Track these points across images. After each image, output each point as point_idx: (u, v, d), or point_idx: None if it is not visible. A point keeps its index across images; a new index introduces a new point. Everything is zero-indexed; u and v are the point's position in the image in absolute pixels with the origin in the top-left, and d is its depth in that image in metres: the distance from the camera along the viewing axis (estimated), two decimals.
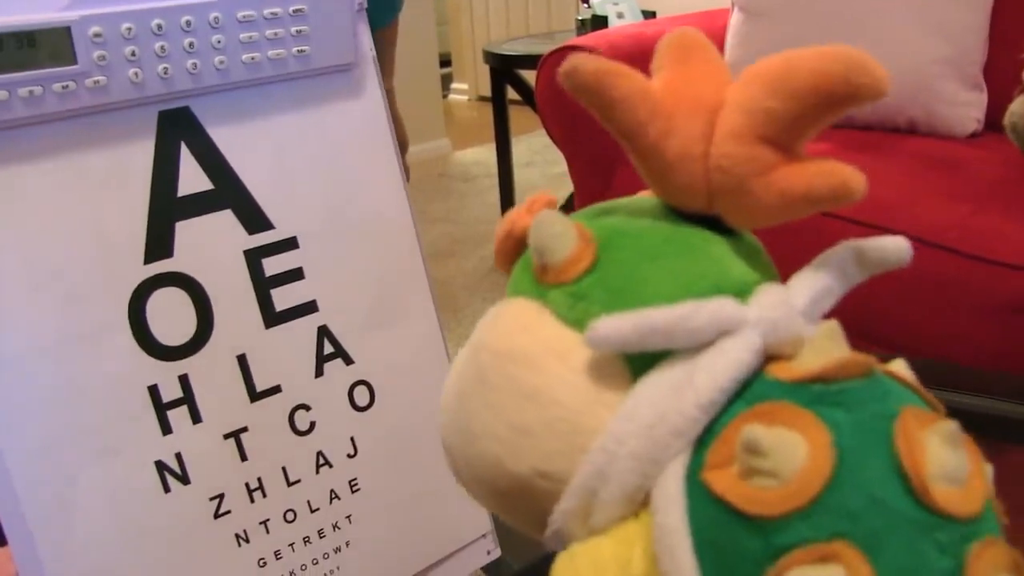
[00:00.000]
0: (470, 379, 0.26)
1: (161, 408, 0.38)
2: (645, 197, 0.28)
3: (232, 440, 0.40)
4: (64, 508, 0.36)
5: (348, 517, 0.44)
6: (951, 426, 0.20)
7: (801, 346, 0.22)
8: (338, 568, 0.43)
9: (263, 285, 0.41)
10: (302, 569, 0.42)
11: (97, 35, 0.35)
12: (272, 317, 0.41)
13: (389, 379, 0.45)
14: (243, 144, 0.40)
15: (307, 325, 0.42)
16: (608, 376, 0.23)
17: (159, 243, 0.38)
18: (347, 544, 0.44)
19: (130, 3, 0.36)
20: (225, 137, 0.40)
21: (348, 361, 0.43)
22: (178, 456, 0.39)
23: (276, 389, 0.41)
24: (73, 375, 0.37)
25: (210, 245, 0.39)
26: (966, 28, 1.31)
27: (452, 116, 3.68)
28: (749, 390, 0.22)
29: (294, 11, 0.40)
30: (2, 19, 0.33)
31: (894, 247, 0.25)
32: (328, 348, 0.43)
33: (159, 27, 0.37)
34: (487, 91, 2.32)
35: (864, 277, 0.25)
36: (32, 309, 0.36)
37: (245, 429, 0.41)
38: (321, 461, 0.43)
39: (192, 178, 0.39)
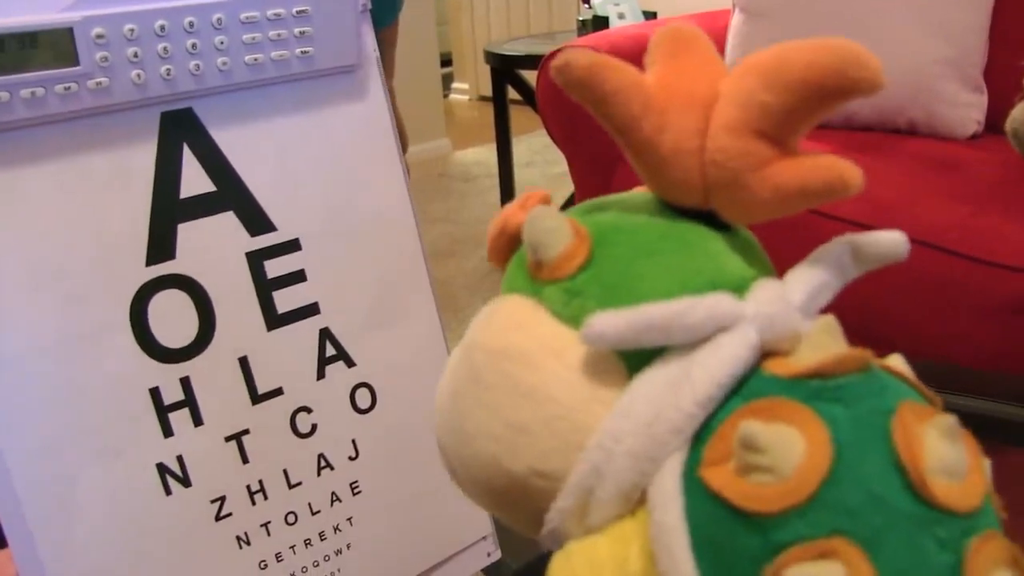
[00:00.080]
0: (464, 378, 0.25)
1: (162, 410, 0.38)
2: (639, 193, 0.28)
3: (233, 442, 0.40)
4: (65, 510, 0.36)
5: (349, 519, 0.44)
6: (949, 420, 0.20)
7: (798, 342, 0.22)
8: (339, 570, 0.43)
9: (265, 287, 0.41)
10: (303, 571, 0.42)
11: (100, 36, 0.35)
12: (274, 319, 0.41)
13: (390, 381, 0.45)
14: (246, 146, 0.40)
15: (309, 327, 0.42)
16: (604, 373, 0.23)
17: (161, 245, 0.38)
18: (348, 546, 0.44)
19: (133, 4, 0.36)
20: (227, 139, 0.40)
21: (350, 363, 0.43)
22: (179, 458, 0.39)
23: (278, 391, 0.41)
24: (74, 376, 0.36)
25: (212, 247, 0.39)
26: (967, 29, 1.31)
27: (453, 116, 3.68)
28: (746, 386, 0.22)
29: (298, 12, 0.40)
30: (4, 20, 0.33)
31: (890, 242, 0.25)
32: (330, 350, 0.43)
33: (162, 28, 0.37)
34: (488, 91, 2.32)
35: (861, 272, 0.25)
36: (34, 310, 0.36)
37: (246, 431, 0.40)
38: (322, 463, 0.43)
39: (194, 180, 0.39)
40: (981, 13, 1.32)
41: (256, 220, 0.41)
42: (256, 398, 0.41)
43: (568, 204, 1.91)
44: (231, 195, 0.40)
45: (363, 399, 0.44)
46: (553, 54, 1.43)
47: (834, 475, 0.19)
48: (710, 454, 0.21)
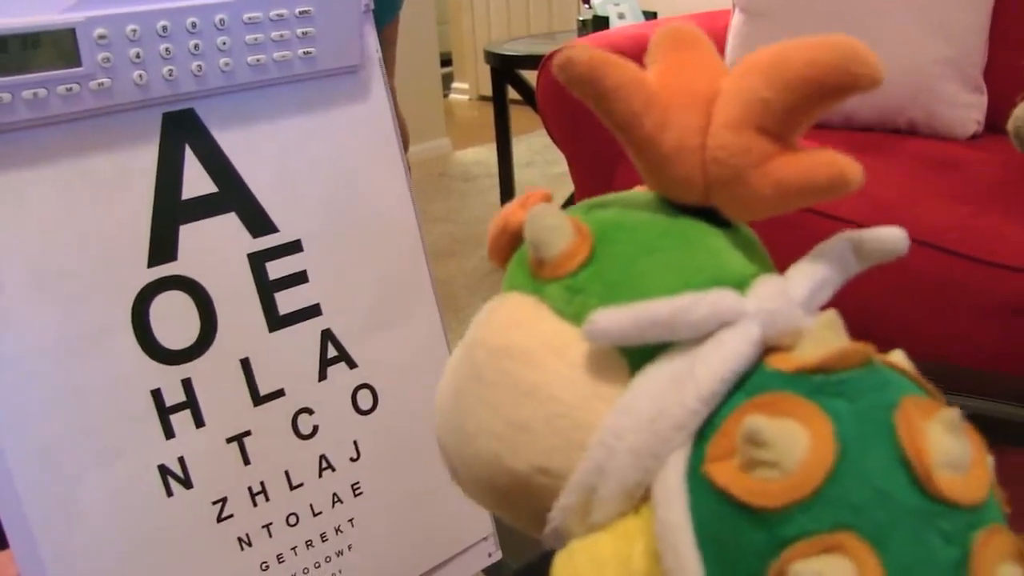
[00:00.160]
0: (465, 377, 0.25)
1: (164, 412, 0.38)
2: (640, 191, 0.28)
3: (235, 444, 0.40)
4: (66, 511, 0.36)
5: (350, 520, 0.44)
6: (952, 414, 0.20)
7: (800, 337, 0.22)
8: (340, 571, 0.43)
9: (267, 289, 0.41)
10: (304, 572, 0.42)
11: (102, 37, 0.35)
12: (276, 321, 0.41)
13: (392, 382, 0.45)
14: (247, 146, 0.40)
15: (311, 329, 0.42)
16: (606, 370, 0.23)
17: (163, 246, 0.38)
18: (349, 547, 0.44)
19: (135, 4, 0.36)
20: (229, 139, 0.40)
21: (351, 365, 0.43)
22: (181, 460, 0.39)
23: (279, 393, 0.41)
24: (76, 377, 0.36)
25: (214, 248, 0.39)
26: (967, 29, 1.31)
27: (453, 116, 3.68)
28: (749, 382, 0.21)
29: (300, 13, 0.40)
30: (6, 20, 0.33)
31: (891, 237, 0.25)
32: (332, 352, 0.43)
33: (164, 29, 0.37)
34: (488, 91, 2.32)
35: (862, 268, 0.25)
36: (35, 311, 0.36)
37: (248, 433, 0.40)
38: (324, 465, 0.43)
39: (196, 181, 0.39)
40: (981, 13, 1.32)
41: (258, 221, 0.41)
42: (258, 399, 0.41)
43: (568, 204, 1.90)
44: (233, 196, 0.40)
45: (365, 400, 0.44)
46: (553, 54, 1.43)
47: (839, 470, 0.19)
48: (714, 450, 0.21)
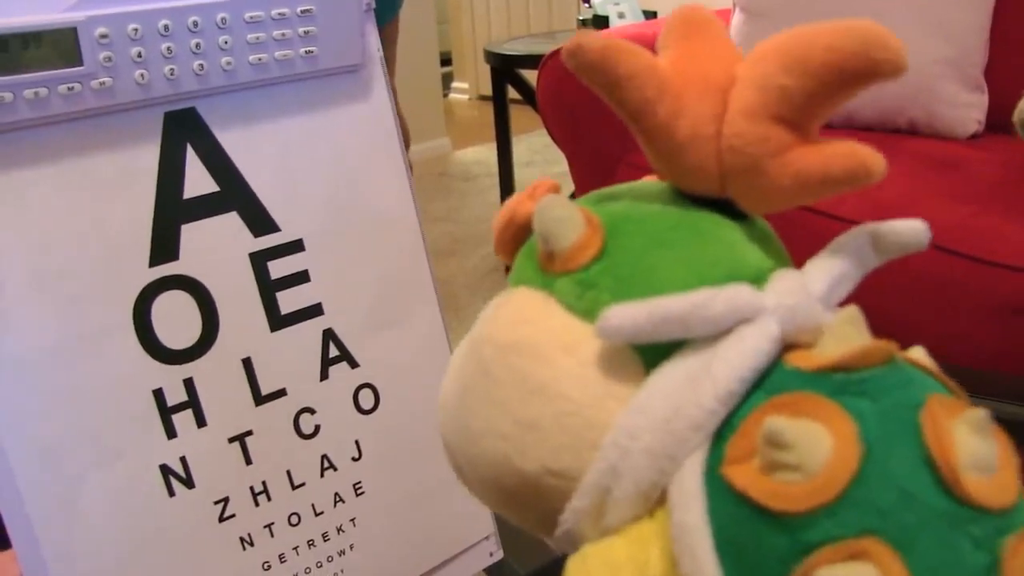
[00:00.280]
0: (472, 374, 0.25)
1: (166, 412, 0.38)
2: (651, 182, 0.27)
3: (237, 444, 0.40)
4: (68, 511, 0.36)
5: (352, 520, 0.43)
6: (979, 414, 0.19)
7: (820, 334, 0.21)
8: (342, 571, 0.43)
9: (269, 288, 0.41)
10: (306, 572, 0.42)
11: (103, 36, 0.35)
12: (278, 320, 0.41)
13: (393, 382, 0.45)
14: (249, 145, 0.40)
15: (313, 328, 0.42)
16: (618, 368, 0.22)
17: (164, 245, 0.38)
18: (351, 547, 0.44)
19: (136, 4, 0.36)
20: (231, 138, 0.40)
21: (353, 364, 0.43)
22: (183, 460, 0.39)
23: (281, 392, 0.41)
24: (77, 377, 0.36)
25: (216, 248, 0.39)
26: (967, 29, 1.31)
27: (453, 115, 3.68)
28: (767, 381, 0.21)
29: (302, 12, 0.40)
30: (7, 19, 0.33)
31: (911, 231, 0.24)
32: (333, 351, 0.43)
33: (166, 28, 0.37)
34: (488, 90, 2.31)
35: (881, 262, 0.24)
36: (37, 311, 0.36)
37: (250, 433, 0.40)
38: (326, 464, 0.43)
39: (198, 180, 0.39)
40: (982, 13, 1.32)
41: (259, 221, 0.41)
42: (259, 399, 0.41)
43: None
44: (234, 195, 0.40)
45: (366, 400, 0.44)
46: (554, 53, 1.43)
47: (863, 472, 0.18)
48: (733, 452, 0.20)
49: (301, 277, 0.42)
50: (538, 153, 3.00)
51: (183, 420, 0.39)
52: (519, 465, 0.23)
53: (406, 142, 0.66)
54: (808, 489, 0.18)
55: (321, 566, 0.43)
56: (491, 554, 0.49)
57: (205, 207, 0.39)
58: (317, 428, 0.42)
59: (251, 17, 0.39)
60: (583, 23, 2.01)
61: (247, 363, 0.40)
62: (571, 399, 0.22)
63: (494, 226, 0.27)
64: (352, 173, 0.43)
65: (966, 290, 0.99)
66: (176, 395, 0.38)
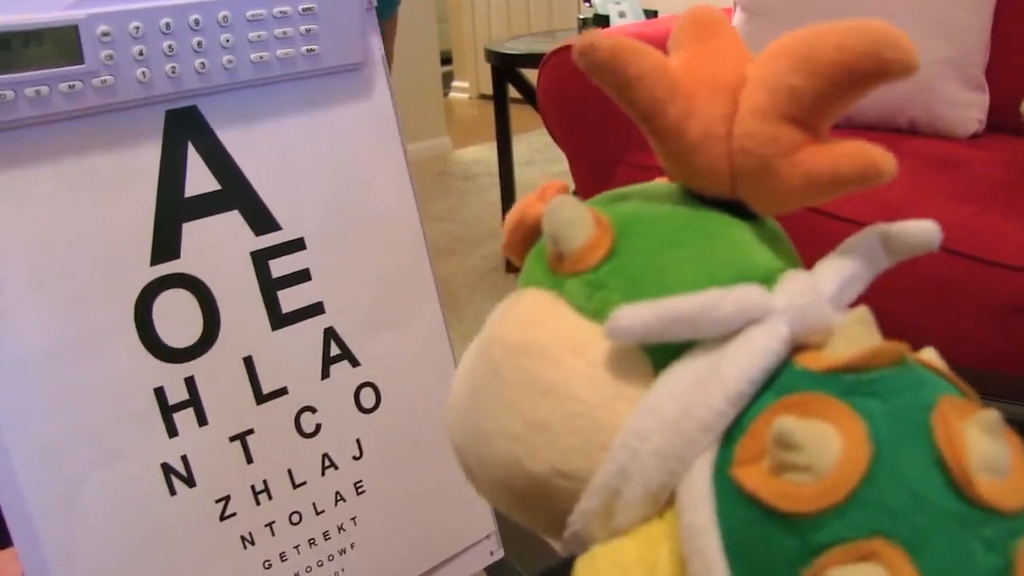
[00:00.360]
0: (482, 375, 0.25)
1: (167, 410, 0.38)
2: (660, 183, 0.27)
3: (238, 442, 0.40)
4: (70, 509, 0.36)
5: (353, 519, 0.43)
6: (992, 415, 0.19)
7: (830, 335, 0.21)
8: (343, 570, 0.43)
9: (270, 287, 0.41)
10: (307, 571, 0.42)
11: (105, 34, 0.35)
12: (279, 319, 0.41)
13: (395, 380, 0.45)
14: (250, 144, 0.40)
15: (314, 327, 0.42)
16: (628, 369, 0.22)
17: (166, 244, 0.38)
18: (352, 546, 0.44)
19: (138, 1, 0.36)
20: (232, 137, 0.40)
21: (354, 363, 0.43)
22: (184, 458, 0.39)
23: (282, 391, 0.41)
24: (78, 376, 0.36)
25: (217, 246, 0.39)
26: (968, 28, 1.31)
27: (453, 114, 3.68)
28: (777, 381, 0.21)
29: (303, 10, 0.40)
30: (8, 17, 0.33)
31: (922, 231, 0.24)
32: (335, 350, 0.43)
33: (167, 26, 0.36)
34: (488, 89, 2.32)
35: (892, 263, 0.24)
36: (38, 310, 0.36)
37: (251, 431, 0.40)
38: (327, 463, 0.43)
39: (199, 178, 0.39)
40: (982, 13, 1.32)
41: (261, 219, 0.41)
42: (261, 398, 0.41)
43: None
44: (236, 194, 0.40)
45: (367, 399, 0.44)
46: (554, 53, 1.43)
47: (873, 473, 0.18)
48: (742, 453, 0.20)
49: (302, 276, 0.42)
50: (538, 152, 3.00)
51: (184, 419, 0.39)
52: (529, 466, 0.23)
53: None
54: (818, 490, 0.18)
55: (322, 565, 0.43)
56: (492, 553, 0.49)
57: (206, 206, 0.39)
58: (318, 427, 0.42)
59: (253, 15, 0.39)
60: (584, 22, 2.01)
61: (248, 362, 0.40)
62: (581, 400, 0.22)
63: (504, 227, 0.27)
64: (353, 172, 0.43)
65: (967, 290, 0.99)
66: (177, 394, 0.38)
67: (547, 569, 0.47)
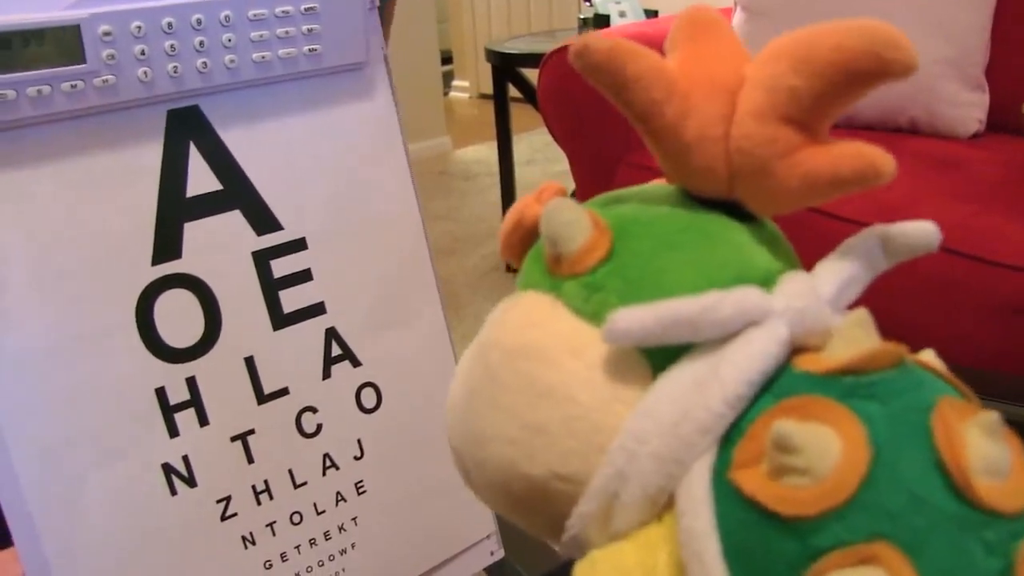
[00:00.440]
0: (479, 378, 0.25)
1: (168, 410, 0.38)
2: (658, 184, 0.27)
3: (239, 442, 0.40)
4: (71, 509, 0.36)
5: (354, 519, 0.43)
6: (992, 417, 0.19)
7: (829, 337, 0.21)
8: (343, 570, 0.43)
9: (271, 287, 0.41)
10: (308, 571, 0.42)
11: (107, 33, 0.35)
12: (280, 319, 0.41)
13: (396, 380, 0.45)
14: (252, 144, 0.40)
15: (315, 327, 0.42)
16: (626, 372, 0.22)
17: (167, 244, 0.38)
18: (352, 546, 0.44)
19: (140, 1, 0.36)
20: (234, 137, 0.40)
21: (355, 363, 0.43)
22: (185, 458, 0.39)
23: (283, 391, 0.41)
24: (80, 376, 0.36)
25: (218, 246, 0.39)
26: (968, 28, 1.31)
27: (453, 114, 3.68)
28: (776, 384, 0.21)
29: (306, 9, 0.40)
30: (10, 16, 0.33)
31: (921, 232, 0.24)
32: (336, 350, 0.43)
33: (169, 25, 0.36)
34: (488, 89, 2.32)
35: (891, 264, 0.24)
36: (39, 309, 0.36)
37: (252, 431, 0.40)
38: (328, 463, 0.43)
39: (201, 178, 0.39)
40: (982, 13, 1.32)
41: (262, 219, 0.40)
42: (262, 398, 0.41)
43: None
44: (238, 194, 0.40)
45: (368, 399, 0.44)
46: (554, 52, 1.43)
47: (873, 476, 0.18)
48: (741, 456, 0.20)
49: (304, 276, 0.42)
50: (539, 152, 3.00)
51: (185, 419, 0.39)
52: (527, 470, 0.23)
53: None
54: (817, 493, 0.18)
55: (323, 565, 0.43)
56: (492, 553, 0.49)
57: (208, 205, 0.39)
58: (319, 427, 0.42)
59: (255, 15, 0.39)
60: (584, 22, 2.01)
61: (249, 362, 0.40)
62: (579, 403, 0.22)
63: (501, 229, 0.27)
64: (355, 172, 0.43)
65: (967, 290, 0.99)
66: (178, 394, 0.38)
67: (548, 570, 0.47)
